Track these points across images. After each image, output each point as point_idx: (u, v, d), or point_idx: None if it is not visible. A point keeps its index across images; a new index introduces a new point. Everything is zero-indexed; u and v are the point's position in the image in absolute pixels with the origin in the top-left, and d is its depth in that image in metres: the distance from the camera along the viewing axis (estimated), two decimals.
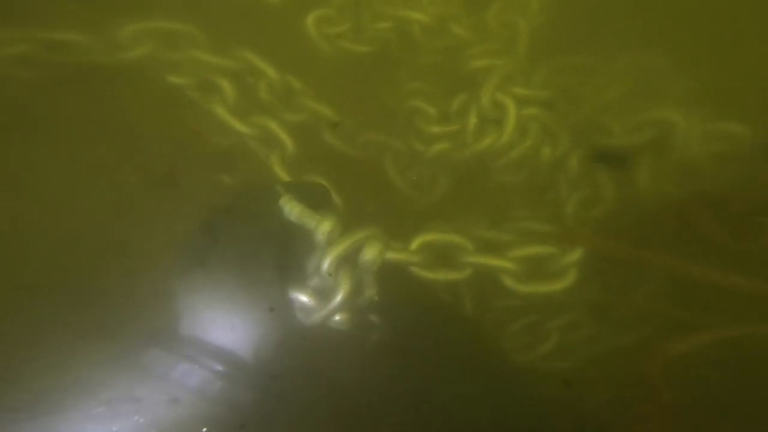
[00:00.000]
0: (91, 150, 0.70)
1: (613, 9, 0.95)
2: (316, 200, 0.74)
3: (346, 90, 1.03)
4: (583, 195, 0.93)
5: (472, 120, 0.97)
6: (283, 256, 0.68)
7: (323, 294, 0.68)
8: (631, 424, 0.64)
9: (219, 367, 0.58)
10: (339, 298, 0.66)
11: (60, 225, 0.65)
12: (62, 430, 0.56)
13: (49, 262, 0.58)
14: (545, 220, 0.99)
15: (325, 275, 0.67)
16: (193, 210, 0.68)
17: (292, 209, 0.70)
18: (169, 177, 0.72)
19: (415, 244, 0.76)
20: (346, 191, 0.94)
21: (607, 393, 0.75)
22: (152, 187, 0.70)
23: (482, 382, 0.69)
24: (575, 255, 0.82)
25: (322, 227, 0.67)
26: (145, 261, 0.65)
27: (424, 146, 1.01)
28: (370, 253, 0.67)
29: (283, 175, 0.90)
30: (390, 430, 0.63)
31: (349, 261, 0.69)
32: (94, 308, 0.59)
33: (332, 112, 0.99)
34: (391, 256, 0.71)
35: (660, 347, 0.64)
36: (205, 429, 0.57)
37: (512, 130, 0.94)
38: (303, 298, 0.66)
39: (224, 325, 0.60)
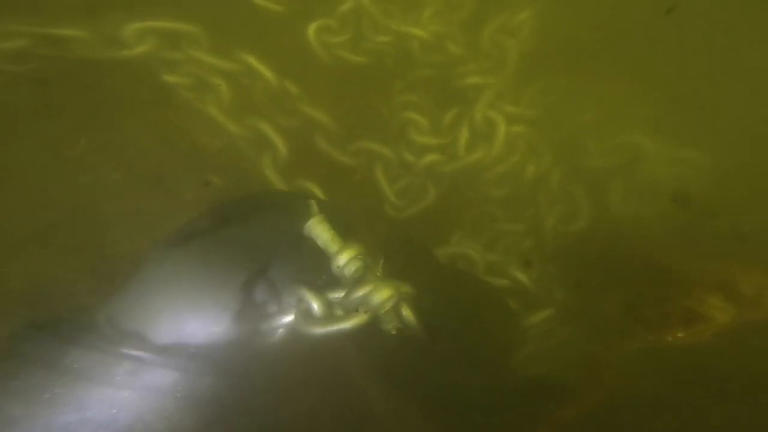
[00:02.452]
0: (72, 144, 0.66)
1: (594, 37, 0.94)
2: (342, 225, 0.67)
3: (342, 98, 1.00)
4: (562, 210, 0.91)
5: (464, 134, 0.94)
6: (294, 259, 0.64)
7: (335, 310, 0.62)
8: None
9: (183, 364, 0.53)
10: (350, 322, 0.60)
11: (33, 217, 0.61)
12: None
13: (12, 255, 0.54)
14: (525, 234, 0.97)
15: (354, 297, 0.62)
16: (177, 210, 0.64)
17: (321, 232, 0.64)
18: (155, 175, 0.68)
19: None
20: (336, 197, 0.91)
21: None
22: (136, 185, 0.66)
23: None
24: None
25: (344, 256, 0.63)
26: (117, 260, 0.60)
27: (415, 157, 0.98)
28: (379, 295, 0.61)
29: (274, 179, 0.87)
30: None
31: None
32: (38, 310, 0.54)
33: (327, 119, 0.96)
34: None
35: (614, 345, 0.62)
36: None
37: (501, 146, 0.91)
38: (314, 305, 0.61)
39: (199, 327, 0.55)
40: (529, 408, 0.64)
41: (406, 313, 0.63)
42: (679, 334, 0.60)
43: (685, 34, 0.92)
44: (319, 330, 0.60)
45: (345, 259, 0.63)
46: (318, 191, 0.92)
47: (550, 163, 0.93)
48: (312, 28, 0.99)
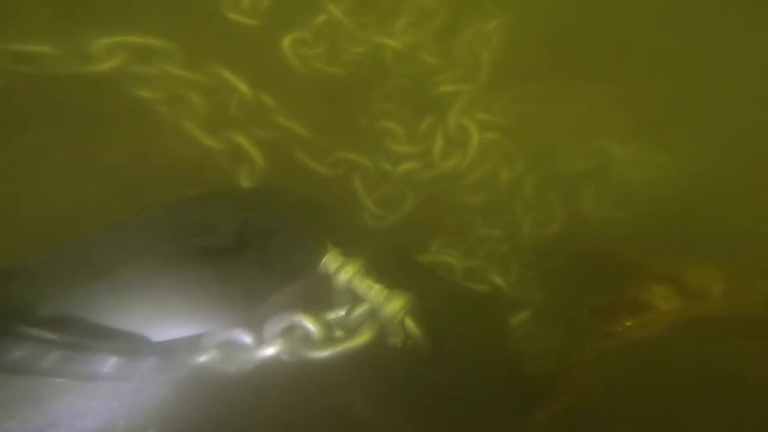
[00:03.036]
0: (47, 157, 0.64)
1: (563, 45, 0.96)
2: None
3: (319, 109, 0.99)
4: (537, 215, 0.92)
5: (439, 142, 0.95)
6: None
7: (335, 331, 0.59)
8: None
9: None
10: (356, 341, 0.57)
11: (6, 230, 0.59)
12: None
13: None
14: (503, 239, 0.98)
15: (351, 317, 0.59)
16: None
17: (344, 273, 0.59)
18: (130, 189, 0.67)
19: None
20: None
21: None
22: (111, 198, 0.65)
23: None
24: None
25: (347, 271, 0.59)
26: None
27: (392, 165, 0.98)
28: (390, 307, 0.58)
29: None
30: None
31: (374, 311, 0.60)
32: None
33: (304, 130, 0.95)
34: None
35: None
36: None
37: (475, 153, 0.92)
38: (312, 329, 0.57)
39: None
40: (510, 410, 0.64)
41: (409, 323, 0.61)
42: (628, 323, 0.62)
43: (653, 41, 0.94)
44: (320, 354, 0.57)
45: (348, 274, 0.60)
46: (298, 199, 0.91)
47: (524, 169, 0.94)
48: (287, 41, 0.99)
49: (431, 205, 1.01)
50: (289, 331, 0.58)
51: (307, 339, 0.58)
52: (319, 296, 0.62)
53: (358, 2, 1.04)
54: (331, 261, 0.61)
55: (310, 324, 0.57)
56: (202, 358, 0.55)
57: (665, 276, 0.65)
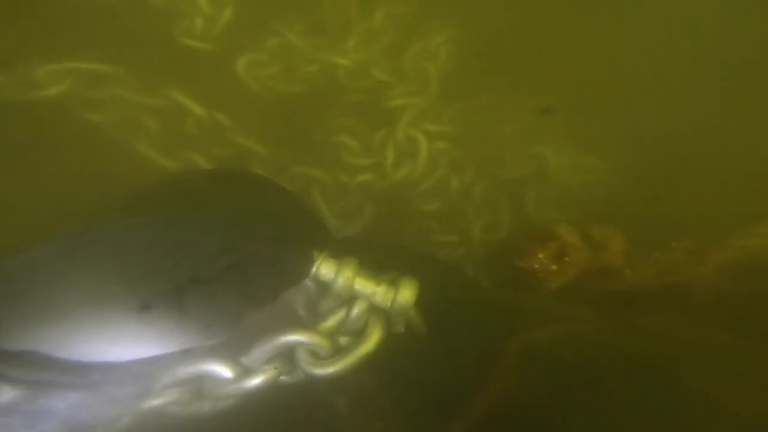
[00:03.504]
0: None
1: (506, 59, 1.02)
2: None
3: (276, 127, 1.02)
4: (487, 220, 0.96)
5: (391, 153, 0.98)
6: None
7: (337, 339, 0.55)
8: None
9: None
10: (367, 345, 0.53)
11: None
12: None
13: None
14: (458, 244, 1.01)
15: (353, 319, 0.54)
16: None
17: (343, 276, 0.54)
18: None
19: None
20: None
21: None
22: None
23: None
24: None
25: (404, 293, 0.53)
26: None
27: (348, 177, 1.01)
28: (404, 295, 0.54)
29: None
30: None
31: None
32: None
33: (261, 147, 0.97)
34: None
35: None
36: None
37: (425, 162, 0.96)
38: (313, 342, 0.52)
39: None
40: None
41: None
42: (540, 255, 0.67)
43: (583, 55, 1.01)
44: (333, 368, 0.52)
45: (348, 276, 0.54)
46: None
47: (473, 176, 0.98)
48: (242, 63, 1.01)
49: (389, 215, 1.04)
50: (287, 353, 0.52)
51: (313, 356, 0.52)
52: (296, 311, 0.57)
53: (310, 24, 1.08)
54: (324, 267, 0.56)
55: (311, 339, 0.52)
56: (160, 400, 0.49)
57: (575, 231, 0.71)
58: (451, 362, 0.61)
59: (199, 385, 0.52)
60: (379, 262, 0.59)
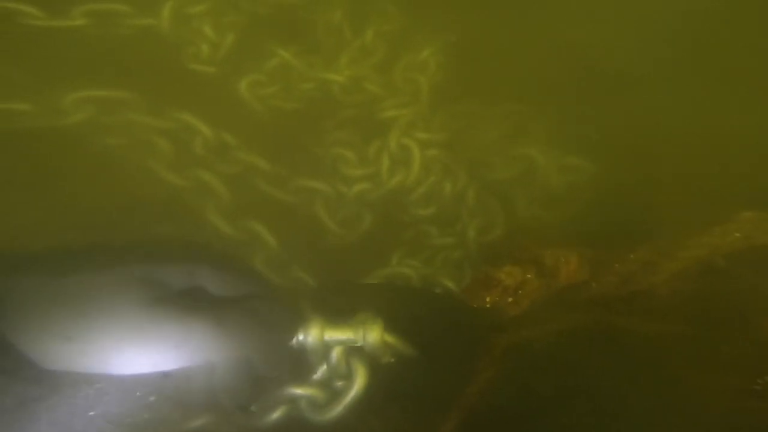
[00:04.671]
0: (24, 211, 0.71)
1: (493, 67, 1.10)
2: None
3: (278, 142, 1.09)
4: (481, 222, 1.02)
5: (385, 162, 1.05)
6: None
7: (331, 386, 0.61)
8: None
9: None
10: (358, 385, 0.59)
11: None
12: None
13: None
14: (455, 246, 1.07)
15: (335, 365, 0.60)
16: (130, 261, 0.70)
17: (311, 335, 0.59)
18: (107, 231, 0.74)
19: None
20: (282, 233, 0.99)
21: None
22: (90, 242, 0.72)
23: None
24: None
25: (371, 336, 0.59)
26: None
27: (347, 187, 1.08)
28: (372, 335, 0.60)
29: (220, 223, 0.94)
30: None
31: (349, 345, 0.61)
32: None
33: (265, 163, 1.05)
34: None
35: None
36: None
37: (418, 169, 1.03)
38: (310, 393, 0.59)
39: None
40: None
41: (389, 339, 0.63)
42: (487, 299, 0.73)
43: (564, 61, 1.09)
44: (333, 412, 0.58)
45: (316, 334, 0.60)
46: (264, 230, 0.99)
47: (465, 180, 1.05)
48: (244, 84, 1.09)
49: (387, 221, 1.11)
50: (290, 406, 0.59)
51: (313, 405, 0.59)
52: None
53: (305, 45, 1.16)
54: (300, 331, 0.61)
55: (306, 392, 0.59)
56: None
57: (526, 257, 0.78)
58: (440, 367, 0.67)
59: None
60: (345, 305, 0.66)
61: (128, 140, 0.90)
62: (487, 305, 0.75)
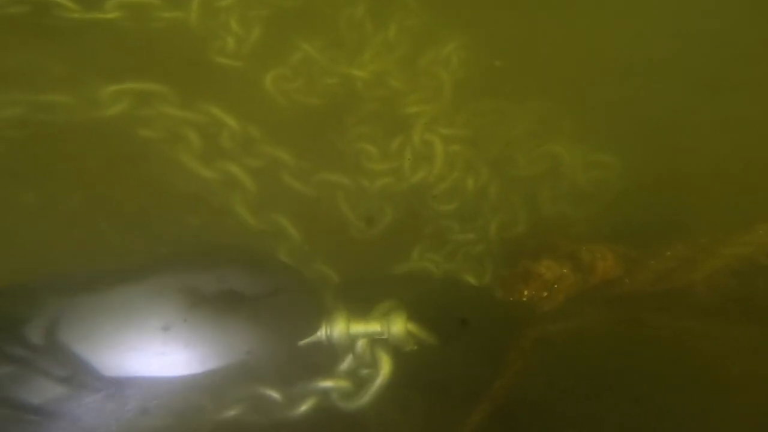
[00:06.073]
0: (66, 200, 0.75)
1: (516, 63, 1.11)
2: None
3: (301, 136, 1.12)
4: (503, 218, 1.04)
5: (407, 157, 1.08)
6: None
7: (358, 375, 0.65)
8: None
9: None
10: (383, 373, 0.63)
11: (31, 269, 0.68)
12: None
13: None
14: (477, 242, 1.10)
15: (360, 355, 0.64)
16: (163, 250, 0.73)
17: (343, 330, 0.64)
18: (140, 221, 0.78)
19: None
20: (305, 226, 1.02)
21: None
22: (122, 231, 0.76)
23: None
24: None
25: (395, 327, 0.64)
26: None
27: (369, 182, 1.10)
28: (396, 326, 0.64)
29: (246, 215, 0.97)
30: None
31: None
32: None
33: (289, 157, 1.08)
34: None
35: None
36: None
37: (441, 165, 1.05)
38: (339, 384, 0.63)
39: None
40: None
41: (413, 328, 0.67)
42: (525, 293, 0.75)
43: (591, 58, 1.10)
44: (362, 400, 0.63)
45: (343, 327, 0.64)
46: (288, 223, 1.02)
47: (488, 176, 1.07)
48: (269, 78, 1.12)
49: (409, 216, 1.13)
50: (320, 396, 0.63)
51: (343, 395, 0.63)
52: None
53: (328, 40, 1.18)
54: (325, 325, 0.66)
55: (335, 384, 0.63)
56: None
57: (562, 253, 0.80)
58: (465, 359, 0.71)
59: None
60: (369, 296, 0.69)
61: (161, 133, 0.94)
62: (524, 299, 0.78)
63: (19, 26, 0.91)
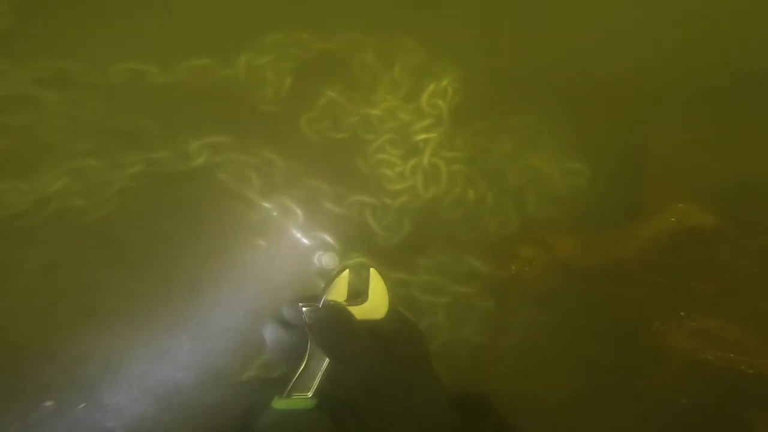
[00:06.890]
0: (173, 234, 1.04)
1: (503, 88, 1.40)
2: None
3: (333, 166, 1.40)
4: (499, 220, 1.33)
5: (420, 178, 1.36)
6: None
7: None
8: None
9: None
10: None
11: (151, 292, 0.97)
12: None
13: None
14: (480, 242, 1.38)
15: None
16: (239, 267, 1.03)
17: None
18: (223, 246, 1.06)
19: None
20: (342, 240, 1.30)
21: None
22: (213, 255, 1.05)
23: None
24: None
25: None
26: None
27: (391, 200, 1.38)
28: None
29: (299, 235, 1.25)
30: None
31: None
32: None
33: (325, 185, 1.35)
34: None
35: None
36: None
37: (446, 182, 1.33)
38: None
39: None
40: None
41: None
42: (513, 267, 1.06)
43: (564, 77, 1.38)
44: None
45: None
46: (329, 237, 1.30)
47: (485, 187, 1.35)
48: (303, 120, 1.40)
49: (423, 225, 1.41)
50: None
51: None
52: None
53: (346, 85, 1.46)
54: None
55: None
56: None
57: (535, 239, 1.11)
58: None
59: None
60: None
61: (230, 174, 1.23)
62: (513, 272, 1.09)
63: (125, 92, 1.21)
